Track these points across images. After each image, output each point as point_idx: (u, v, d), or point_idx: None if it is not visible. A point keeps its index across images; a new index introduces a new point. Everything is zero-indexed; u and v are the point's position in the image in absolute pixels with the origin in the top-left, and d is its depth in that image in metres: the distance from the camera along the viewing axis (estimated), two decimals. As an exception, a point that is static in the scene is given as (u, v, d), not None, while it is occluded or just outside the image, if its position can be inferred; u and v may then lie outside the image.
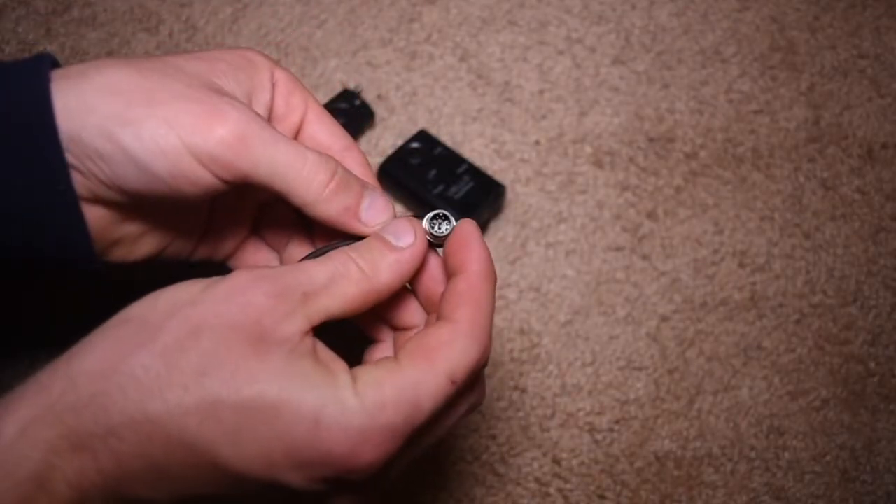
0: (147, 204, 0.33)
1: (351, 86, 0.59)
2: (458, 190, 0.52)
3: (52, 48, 0.59)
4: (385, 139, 0.57)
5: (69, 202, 0.31)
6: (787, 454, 0.50)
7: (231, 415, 0.26)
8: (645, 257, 0.54)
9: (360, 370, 0.28)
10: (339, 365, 0.29)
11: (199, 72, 0.32)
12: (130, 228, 0.34)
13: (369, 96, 0.58)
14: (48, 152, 0.30)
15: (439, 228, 0.33)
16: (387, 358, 0.30)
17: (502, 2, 0.62)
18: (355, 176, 0.34)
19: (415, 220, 0.33)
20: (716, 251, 0.55)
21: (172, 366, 0.26)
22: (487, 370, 0.51)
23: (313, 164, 0.32)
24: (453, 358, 0.29)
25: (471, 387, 0.31)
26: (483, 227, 0.54)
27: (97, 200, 0.32)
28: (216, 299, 0.28)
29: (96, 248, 0.33)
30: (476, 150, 0.57)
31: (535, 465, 0.49)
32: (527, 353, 0.51)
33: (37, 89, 0.30)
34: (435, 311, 0.33)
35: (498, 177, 0.55)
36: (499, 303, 0.52)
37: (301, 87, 0.36)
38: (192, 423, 0.26)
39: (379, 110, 0.58)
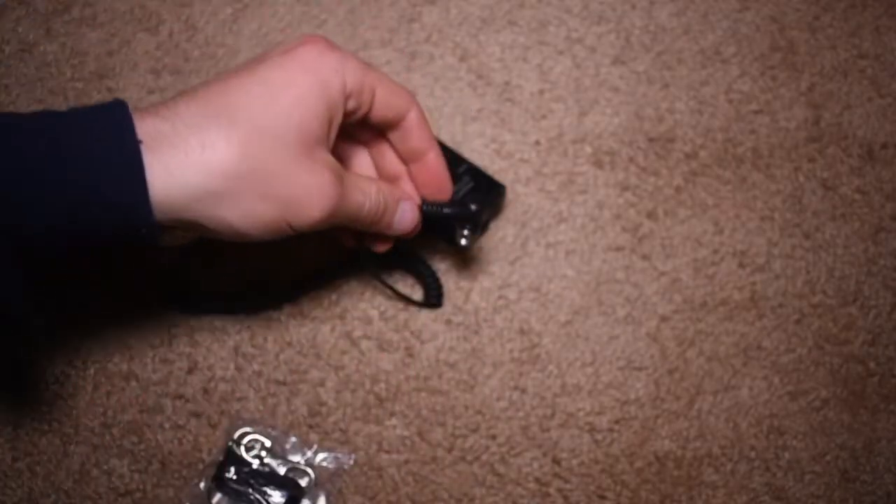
0: None
1: (351, 86, 0.58)
2: (458, 190, 0.52)
3: (52, 48, 0.59)
4: (385, 139, 0.57)
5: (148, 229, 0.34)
6: (787, 454, 0.50)
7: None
8: (645, 257, 0.54)
9: None
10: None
11: (293, 121, 0.35)
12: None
13: (369, 96, 0.58)
14: (139, 226, 0.33)
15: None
16: None
17: (502, 2, 0.62)
18: (392, 195, 0.43)
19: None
20: (716, 251, 0.55)
21: None
22: (487, 370, 0.51)
23: (372, 205, 0.41)
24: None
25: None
26: (483, 227, 0.54)
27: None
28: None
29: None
30: (476, 150, 0.57)
31: (535, 465, 0.49)
32: (527, 353, 0.51)
33: (128, 163, 0.32)
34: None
35: (498, 177, 0.55)
36: (499, 303, 0.52)
37: (394, 86, 0.43)
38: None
39: (379, 110, 0.58)
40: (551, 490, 0.48)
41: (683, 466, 0.49)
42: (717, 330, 0.53)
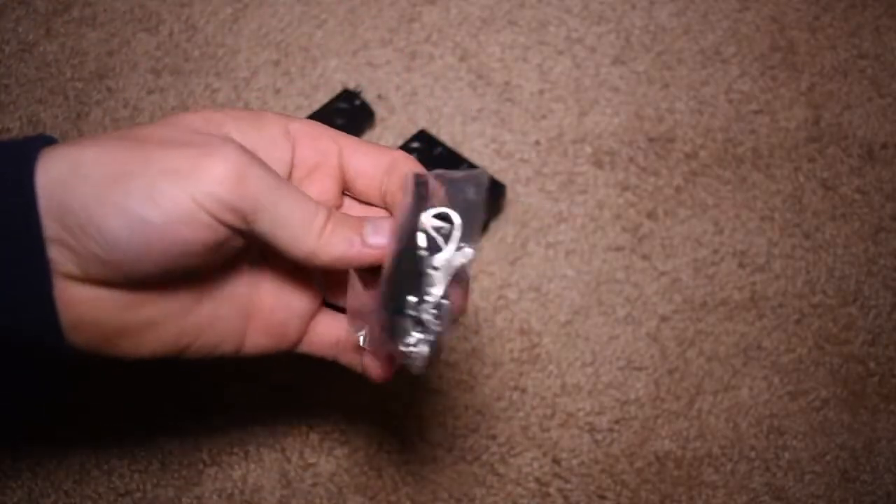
0: (156, 284, 0.31)
1: (351, 86, 0.59)
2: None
3: (52, 48, 0.59)
4: (385, 139, 0.57)
5: (40, 278, 0.29)
6: (787, 454, 0.50)
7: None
8: (645, 257, 0.54)
9: None
10: None
11: (200, 124, 0.31)
12: (138, 315, 0.31)
13: (369, 96, 0.58)
14: (24, 228, 0.28)
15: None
16: None
17: (502, 2, 0.62)
18: (351, 216, 0.32)
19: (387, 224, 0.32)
20: (716, 251, 0.55)
21: None
22: (487, 370, 0.51)
23: (312, 210, 0.31)
24: None
25: None
26: (483, 227, 0.54)
27: (94, 281, 0.30)
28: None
29: (94, 341, 0.31)
30: (476, 150, 0.57)
31: (535, 465, 0.49)
32: (527, 353, 0.51)
33: (21, 159, 0.28)
34: None
35: (498, 177, 0.55)
36: (499, 303, 0.52)
37: (324, 129, 0.34)
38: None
39: (379, 110, 0.58)
40: (551, 490, 0.48)
41: (683, 466, 0.49)
42: (717, 330, 0.53)
